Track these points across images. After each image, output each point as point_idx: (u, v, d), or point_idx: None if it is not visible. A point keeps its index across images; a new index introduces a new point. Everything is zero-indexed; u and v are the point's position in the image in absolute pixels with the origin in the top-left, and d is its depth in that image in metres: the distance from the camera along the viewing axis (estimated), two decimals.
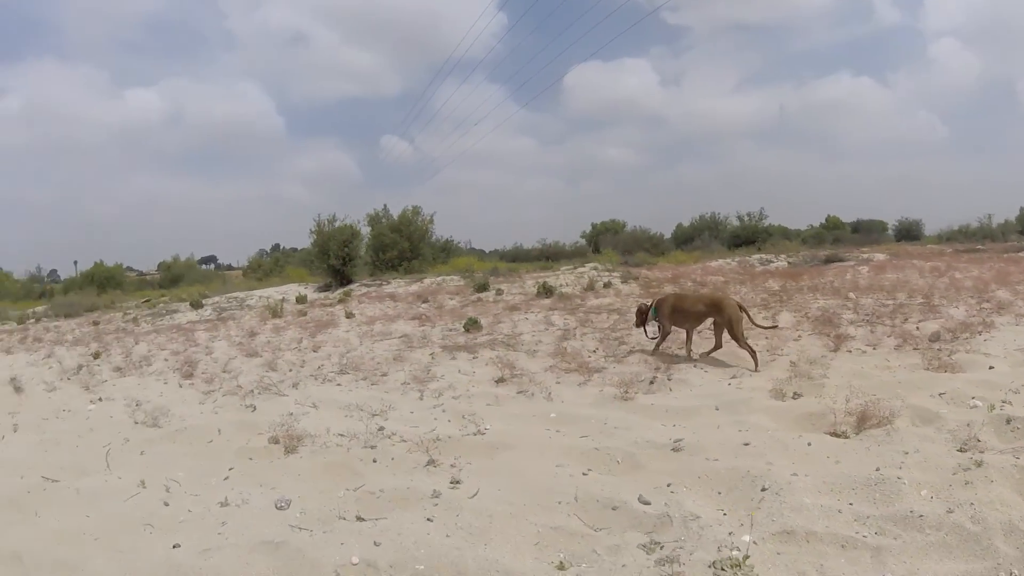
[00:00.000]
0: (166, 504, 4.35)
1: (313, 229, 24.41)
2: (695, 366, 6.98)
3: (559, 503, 3.79)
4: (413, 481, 4.33)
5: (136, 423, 6.38)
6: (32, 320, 19.52)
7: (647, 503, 3.70)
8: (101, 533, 3.93)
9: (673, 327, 7.58)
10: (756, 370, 6.61)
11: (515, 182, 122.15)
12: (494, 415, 5.78)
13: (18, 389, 8.63)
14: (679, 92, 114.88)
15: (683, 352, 7.48)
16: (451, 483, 4.24)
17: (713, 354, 7.20)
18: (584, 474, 4.23)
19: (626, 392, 6.06)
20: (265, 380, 7.84)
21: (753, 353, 6.78)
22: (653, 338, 7.74)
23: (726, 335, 7.05)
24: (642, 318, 7.74)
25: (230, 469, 4.99)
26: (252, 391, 7.35)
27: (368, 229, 25.57)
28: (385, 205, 26.91)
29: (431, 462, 4.63)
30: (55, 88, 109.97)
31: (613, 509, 3.68)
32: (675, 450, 4.49)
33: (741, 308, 6.99)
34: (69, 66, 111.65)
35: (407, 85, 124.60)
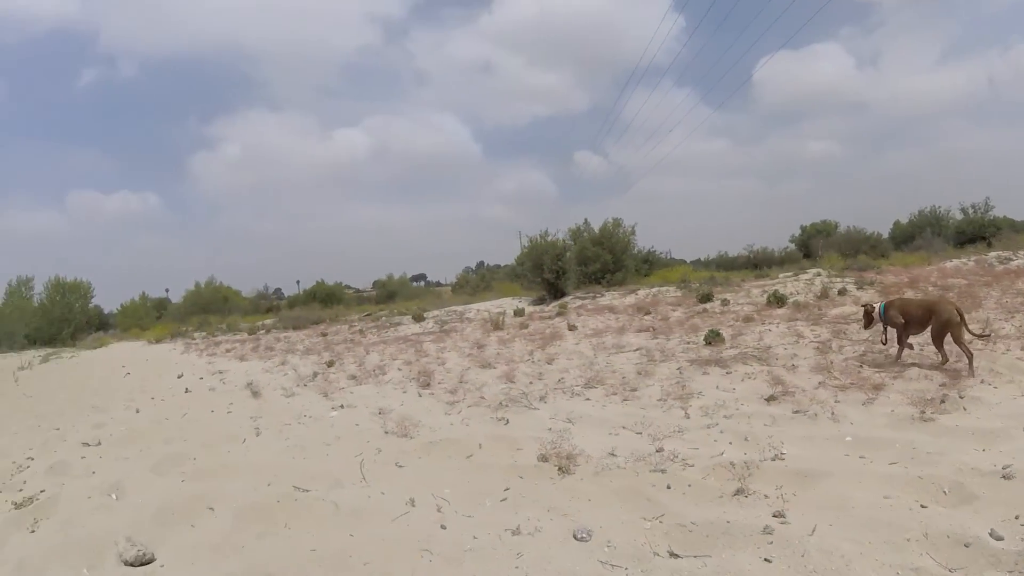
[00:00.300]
0: (443, 527, 3.92)
1: (526, 244, 26.20)
2: (982, 382, 6.51)
3: (907, 540, 3.49)
4: (727, 513, 3.94)
5: (386, 432, 6.24)
6: (262, 331, 22.07)
7: (1000, 538, 3.41)
8: (371, 557, 3.56)
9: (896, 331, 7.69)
10: (966, 372, 6.75)
11: (712, 187, 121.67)
12: (783, 438, 5.38)
13: (256, 394, 9.12)
14: (877, 73, 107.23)
15: (958, 365, 7.14)
16: (774, 516, 3.85)
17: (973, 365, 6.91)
18: (923, 507, 3.87)
19: (923, 412, 5.70)
20: (512, 392, 7.68)
21: (945, 359, 7.12)
22: (883, 341, 7.85)
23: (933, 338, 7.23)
24: (869, 319, 7.93)
25: (506, 489, 4.57)
26: (501, 403, 7.17)
27: (570, 243, 26.90)
28: (586, 219, 28.25)
29: (740, 491, 4.24)
30: (268, 134, 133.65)
31: (966, 546, 3.38)
32: (1006, 478, 4.12)
33: (959, 313, 6.99)
34: (279, 114, 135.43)
35: (595, 99, 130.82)
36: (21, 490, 5.81)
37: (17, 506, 5.24)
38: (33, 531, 4.69)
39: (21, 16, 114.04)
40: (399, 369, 10.39)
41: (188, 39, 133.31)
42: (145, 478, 5.56)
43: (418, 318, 20.11)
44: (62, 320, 53.47)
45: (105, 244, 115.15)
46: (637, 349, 9.98)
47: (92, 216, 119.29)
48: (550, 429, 5.92)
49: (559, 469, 4.86)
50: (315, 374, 10.49)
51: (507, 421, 6.46)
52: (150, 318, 50.29)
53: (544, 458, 5.08)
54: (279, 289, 67.31)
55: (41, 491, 5.59)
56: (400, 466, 5.26)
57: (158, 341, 27.87)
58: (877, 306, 7.78)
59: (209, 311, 40.77)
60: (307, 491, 4.69)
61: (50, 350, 38.79)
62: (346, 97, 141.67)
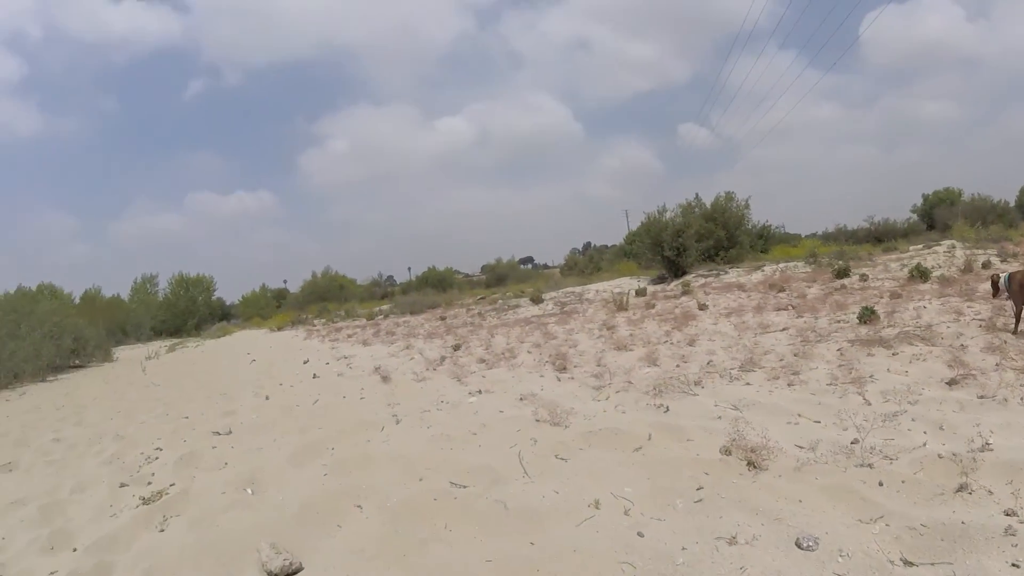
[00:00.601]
0: (640, 535, 3.33)
1: (635, 223, 26.14)
2: None
3: None
4: (957, 513, 3.43)
5: (537, 420, 5.66)
6: (380, 317, 22.43)
7: None
8: (561, 570, 3.04)
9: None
10: None
11: (824, 155, 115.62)
12: (985, 426, 4.66)
13: (386, 379, 8.79)
14: (989, 25, 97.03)
15: None
16: (1007, 515, 3.37)
17: None
18: None
19: None
20: (664, 376, 7.00)
21: None
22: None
23: None
24: (996, 289, 7.77)
25: (699, 489, 3.92)
26: (656, 388, 6.48)
27: (681, 220, 26.10)
28: (697, 194, 27.25)
29: (963, 487, 3.67)
30: (373, 128, 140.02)
31: None
32: None
33: None
34: (382, 108, 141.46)
35: (696, 69, 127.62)
36: (150, 483, 5.61)
37: (145, 501, 5.00)
38: (162, 530, 4.41)
39: (126, 37, 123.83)
40: (529, 352, 9.85)
41: (287, 45, 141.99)
42: (282, 470, 5.23)
43: (536, 300, 19.80)
44: (186, 312, 58.66)
45: (224, 241, 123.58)
46: (784, 329, 9.18)
47: (210, 215, 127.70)
48: (719, 417, 5.28)
49: (748, 464, 4.22)
50: (443, 358, 10.13)
51: (667, 408, 5.79)
52: (270, 307, 53.87)
53: (727, 451, 4.46)
54: (391, 276, 69.70)
55: (171, 485, 5.37)
56: (562, 459, 4.67)
57: (280, 329, 29.07)
58: (1002, 276, 7.46)
59: (326, 299, 42.88)
60: (465, 487, 4.19)
61: (176, 340, 41.37)
62: (446, 86, 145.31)
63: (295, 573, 3.39)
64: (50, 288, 49.69)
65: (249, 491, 4.87)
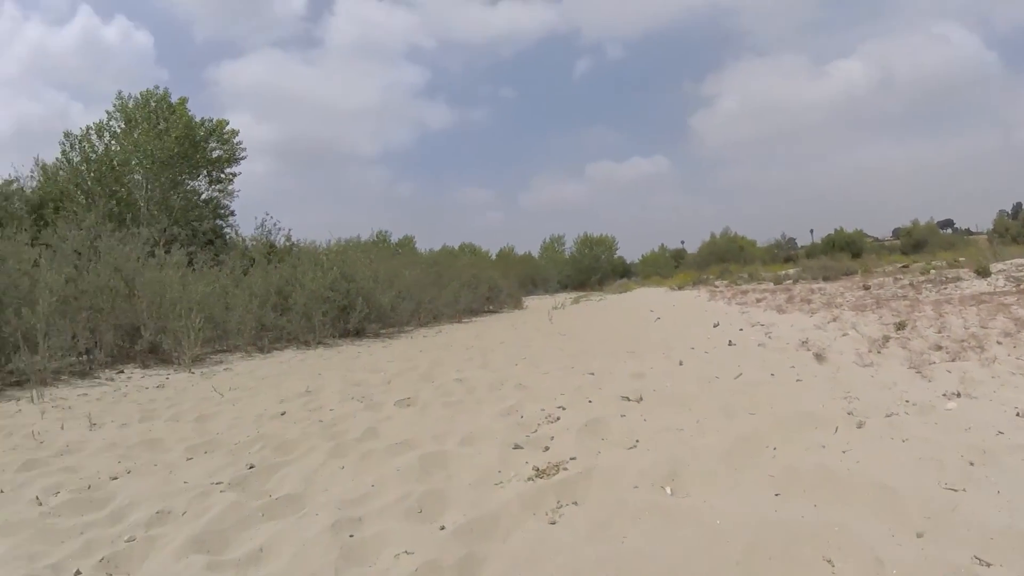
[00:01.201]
0: None
1: None
2: None
3: None
4: None
5: None
6: (789, 281, 20.61)
7: None
8: None
9: None
10: None
11: None
12: None
13: (819, 357, 7.26)
14: None
15: None
16: None
17: None
18: None
19: None
20: None
21: None
22: None
23: None
24: None
25: None
26: None
27: None
28: None
29: None
30: (761, 81, 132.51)
31: None
32: None
33: None
34: (767, 59, 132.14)
35: None
36: (547, 449, 4.90)
37: (539, 474, 4.27)
38: (553, 522, 3.54)
39: (510, 33, 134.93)
40: (999, 343, 7.23)
41: (661, 12, 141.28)
42: (712, 470, 4.11)
43: (983, 273, 16.24)
44: (590, 268, 64.62)
45: (624, 204, 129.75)
46: None
47: (610, 182, 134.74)
48: None
49: None
50: (885, 338, 8.10)
51: None
52: (669, 267, 56.20)
53: None
54: (793, 239, 66.45)
55: (571, 458, 4.55)
56: None
57: (680, 288, 28.87)
58: None
59: (725, 260, 42.36)
60: (989, 566, 2.67)
61: (580, 293, 44.29)
62: (832, 27, 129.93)
63: None
64: (470, 247, 58.32)
65: (668, 491, 3.88)
